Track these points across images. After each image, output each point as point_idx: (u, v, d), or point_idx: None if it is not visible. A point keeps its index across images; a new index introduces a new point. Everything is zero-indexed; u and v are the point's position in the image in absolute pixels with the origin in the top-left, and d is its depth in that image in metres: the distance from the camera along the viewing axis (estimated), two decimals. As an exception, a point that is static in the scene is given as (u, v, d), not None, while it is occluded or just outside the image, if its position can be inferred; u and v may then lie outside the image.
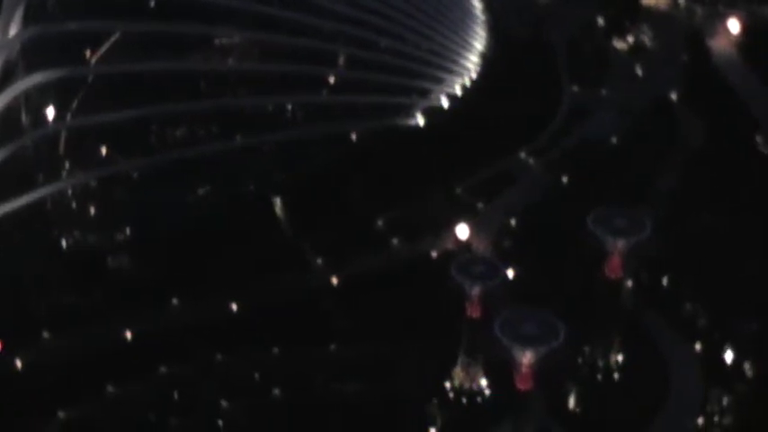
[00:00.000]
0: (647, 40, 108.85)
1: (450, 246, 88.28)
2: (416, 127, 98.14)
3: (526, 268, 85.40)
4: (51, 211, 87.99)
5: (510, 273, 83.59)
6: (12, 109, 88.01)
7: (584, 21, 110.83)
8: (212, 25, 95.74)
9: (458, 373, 79.21)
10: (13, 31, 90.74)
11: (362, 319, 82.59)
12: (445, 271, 77.57)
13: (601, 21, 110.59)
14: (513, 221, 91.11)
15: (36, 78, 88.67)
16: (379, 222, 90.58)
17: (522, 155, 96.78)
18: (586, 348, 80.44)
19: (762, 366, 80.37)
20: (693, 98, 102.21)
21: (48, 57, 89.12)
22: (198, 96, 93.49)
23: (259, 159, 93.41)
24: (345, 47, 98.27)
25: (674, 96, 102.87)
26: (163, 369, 79.75)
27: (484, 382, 79.14)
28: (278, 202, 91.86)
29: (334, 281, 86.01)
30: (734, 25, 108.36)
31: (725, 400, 78.23)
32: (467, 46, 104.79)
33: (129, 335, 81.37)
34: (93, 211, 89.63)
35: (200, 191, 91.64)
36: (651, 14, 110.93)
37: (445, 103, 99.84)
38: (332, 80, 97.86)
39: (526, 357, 72.15)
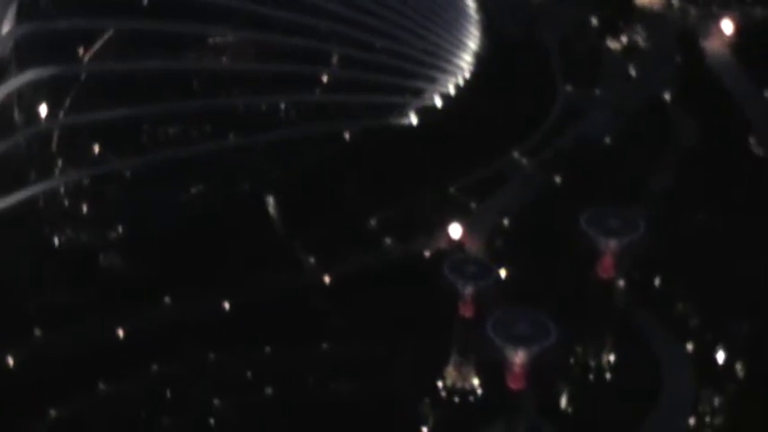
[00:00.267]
0: (640, 40, 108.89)
1: (442, 245, 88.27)
2: (410, 126, 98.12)
3: (519, 268, 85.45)
4: (44, 209, 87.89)
5: (503, 272, 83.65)
6: (4, 106, 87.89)
7: (578, 20, 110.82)
8: (206, 24, 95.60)
9: (450, 372, 79.20)
10: (5, 28, 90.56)
11: (355, 318, 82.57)
12: (438, 270, 77.59)
13: (594, 21, 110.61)
14: (506, 221, 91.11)
15: (29, 76, 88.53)
16: (372, 221, 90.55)
17: (516, 154, 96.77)
18: (578, 348, 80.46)
19: (754, 366, 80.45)
20: (687, 99, 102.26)
21: (40, 54, 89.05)
22: (191, 95, 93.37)
23: (252, 158, 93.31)
24: (339, 46, 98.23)
25: (667, 97, 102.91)
26: (155, 367, 79.69)
27: (476, 381, 79.16)
28: (271, 200, 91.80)
29: (327, 280, 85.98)
30: (727, 26, 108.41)
31: (717, 400, 78.31)
32: (460, 45, 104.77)
33: (121, 333, 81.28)
34: (85, 209, 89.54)
35: (193, 190, 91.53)
36: (645, 15, 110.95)
37: (439, 102, 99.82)
38: (325, 79, 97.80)
39: (518, 357, 72.15)
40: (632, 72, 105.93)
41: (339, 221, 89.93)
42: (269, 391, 79.20)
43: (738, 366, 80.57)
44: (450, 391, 79.07)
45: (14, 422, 75.26)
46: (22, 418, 75.68)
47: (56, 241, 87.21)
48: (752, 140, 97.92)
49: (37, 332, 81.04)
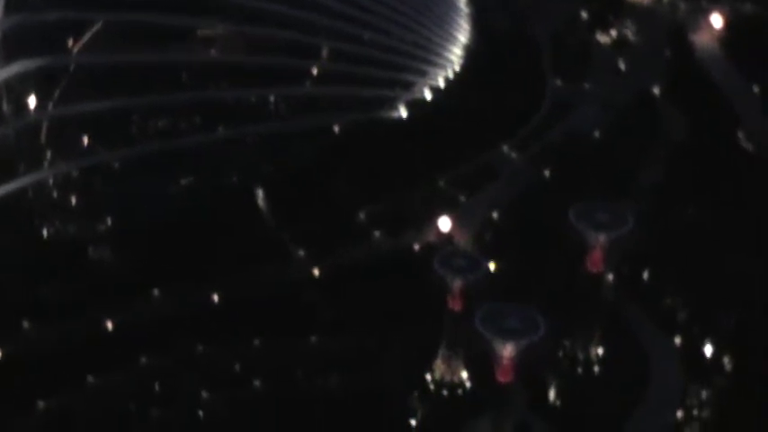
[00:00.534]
0: (630, 34, 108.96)
1: (432, 239, 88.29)
2: (400, 119, 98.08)
3: (508, 262, 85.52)
4: (32, 201, 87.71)
5: (492, 266, 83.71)
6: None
7: (568, 15, 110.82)
8: (195, 16, 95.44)
9: (439, 365, 79.27)
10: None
11: (343, 312, 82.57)
12: (427, 264, 77.61)
13: (584, 15, 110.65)
14: (495, 215, 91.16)
15: (17, 67, 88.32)
16: (361, 215, 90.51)
17: (505, 148, 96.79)
18: (567, 342, 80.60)
19: (742, 360, 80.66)
20: (676, 93, 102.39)
21: (29, 46, 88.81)
22: (180, 87, 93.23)
23: (242, 151, 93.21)
24: (329, 39, 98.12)
25: (656, 91, 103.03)
26: (144, 360, 79.59)
27: (465, 374, 79.24)
28: (260, 193, 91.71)
29: (316, 273, 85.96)
30: (717, 20, 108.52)
31: (705, 394, 78.53)
32: (451, 39, 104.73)
33: (109, 325, 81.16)
34: (74, 201, 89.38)
35: (183, 182, 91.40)
36: (634, 9, 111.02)
37: (429, 95, 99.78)
38: (315, 72, 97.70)
39: (507, 350, 72.25)
40: (622, 66, 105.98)
41: (328, 214, 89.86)
42: (258, 383, 79.16)
43: (726, 360, 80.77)
44: (439, 384, 79.13)
45: (2, 415, 75.07)
46: (10, 411, 75.52)
47: (44, 233, 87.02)
48: (741, 135, 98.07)
49: (25, 325, 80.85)
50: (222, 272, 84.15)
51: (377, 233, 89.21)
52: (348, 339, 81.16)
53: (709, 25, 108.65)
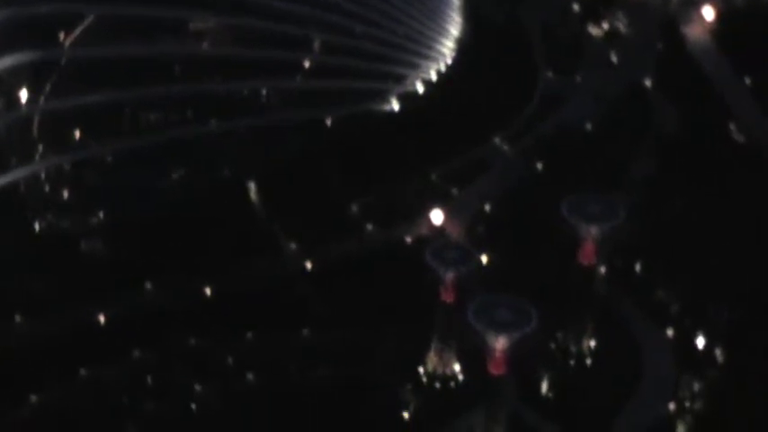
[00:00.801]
0: (622, 26, 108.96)
1: (424, 231, 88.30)
2: (391, 112, 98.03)
3: (500, 254, 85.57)
4: (24, 195, 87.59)
5: (484, 258, 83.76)
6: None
7: (560, 7, 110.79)
8: (187, 9, 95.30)
9: (431, 357, 79.33)
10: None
11: (336, 305, 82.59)
12: (419, 256, 77.63)
13: (576, 7, 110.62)
14: (487, 207, 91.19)
15: (8, 61, 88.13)
16: (354, 207, 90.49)
17: (497, 141, 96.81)
18: (559, 334, 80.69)
19: (733, 352, 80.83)
20: (668, 85, 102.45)
21: (21, 39, 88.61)
22: (172, 80, 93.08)
23: (233, 144, 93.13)
24: (321, 32, 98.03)
25: (648, 83, 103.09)
26: (136, 353, 79.58)
27: (457, 367, 79.32)
28: (252, 186, 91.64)
29: (309, 266, 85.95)
30: (708, 13, 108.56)
31: (697, 386, 78.69)
32: (442, 31, 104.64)
33: (102, 319, 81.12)
34: (66, 194, 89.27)
35: (175, 175, 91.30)
36: (626, 1, 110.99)
37: (420, 88, 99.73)
38: (307, 65, 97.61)
39: (499, 343, 72.30)
40: (614, 58, 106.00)
41: (321, 207, 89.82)
42: (250, 376, 79.18)
43: (718, 352, 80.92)
44: (432, 376, 79.20)
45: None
46: (2, 404, 75.48)
47: (37, 226, 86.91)
48: (732, 127, 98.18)
49: (18, 318, 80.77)
50: (214, 265, 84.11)
51: (369, 226, 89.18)
52: (340, 332, 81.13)
53: (701, 17, 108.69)
